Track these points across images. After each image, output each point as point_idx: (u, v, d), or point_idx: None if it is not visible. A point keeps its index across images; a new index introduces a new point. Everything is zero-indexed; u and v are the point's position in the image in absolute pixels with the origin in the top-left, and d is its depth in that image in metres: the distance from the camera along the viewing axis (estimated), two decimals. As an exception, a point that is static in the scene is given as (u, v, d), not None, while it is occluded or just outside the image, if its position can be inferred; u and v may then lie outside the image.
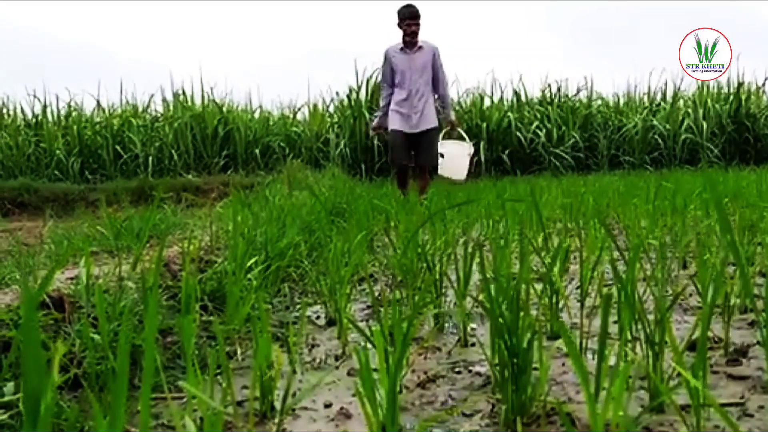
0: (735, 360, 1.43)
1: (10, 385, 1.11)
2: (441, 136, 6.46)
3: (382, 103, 6.45)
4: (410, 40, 6.12)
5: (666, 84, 12.54)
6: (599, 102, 12.26)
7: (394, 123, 6.23)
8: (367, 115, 10.75)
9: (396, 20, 6.16)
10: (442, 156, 6.36)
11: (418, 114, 6.16)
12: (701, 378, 1.04)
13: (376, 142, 10.58)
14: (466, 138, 6.88)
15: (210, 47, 22.90)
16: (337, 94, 11.86)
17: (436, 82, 6.27)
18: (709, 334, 1.40)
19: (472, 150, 6.64)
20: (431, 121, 6.22)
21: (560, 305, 1.74)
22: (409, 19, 6.10)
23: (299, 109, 12.34)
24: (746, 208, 3.23)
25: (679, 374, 1.10)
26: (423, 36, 6.22)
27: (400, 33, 6.18)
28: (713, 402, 0.89)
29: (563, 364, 1.45)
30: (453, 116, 6.67)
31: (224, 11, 25.89)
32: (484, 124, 11.09)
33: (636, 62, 24.26)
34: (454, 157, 6.44)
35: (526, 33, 24.06)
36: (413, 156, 6.27)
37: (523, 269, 1.37)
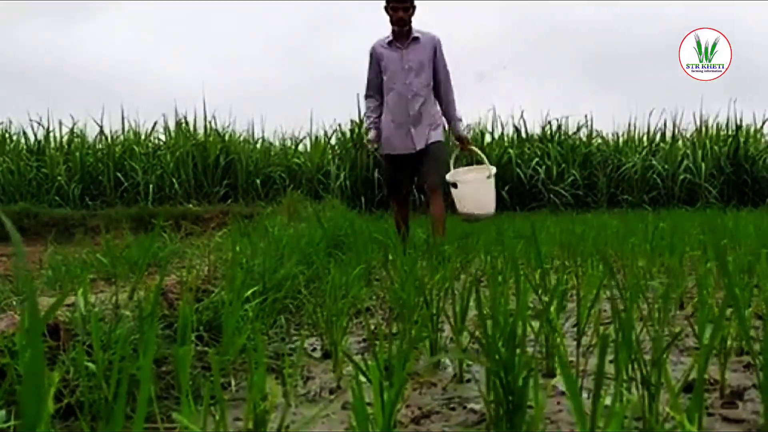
0: (731, 402, 1.42)
1: (2, 413, 1.11)
2: (452, 162, 5.02)
3: (368, 113, 4.94)
4: (398, 30, 4.64)
5: (665, 124, 12.62)
6: (599, 140, 12.36)
7: (388, 146, 4.85)
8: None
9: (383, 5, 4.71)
10: (455, 187, 4.83)
11: (418, 124, 4.71)
12: (697, 421, 1.04)
13: (376, 175, 10.62)
14: (484, 157, 5.09)
15: (214, 71, 23.03)
16: (340, 126, 11.95)
17: (438, 84, 4.76)
18: (705, 375, 1.40)
19: (493, 170, 4.90)
20: (434, 135, 4.78)
21: (556, 343, 1.74)
22: (394, 1, 4.57)
23: (301, 141, 12.43)
24: (744, 252, 3.24)
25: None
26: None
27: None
28: (708, 445, 0.89)
29: (558, 403, 1.44)
30: (462, 130, 5.03)
31: (231, 34, 26.11)
32: (485, 160, 11.15)
33: (636, 102, 24.51)
34: (474, 185, 4.85)
35: (528, 70, 24.33)
36: (417, 179, 4.95)
37: (521, 307, 1.37)
